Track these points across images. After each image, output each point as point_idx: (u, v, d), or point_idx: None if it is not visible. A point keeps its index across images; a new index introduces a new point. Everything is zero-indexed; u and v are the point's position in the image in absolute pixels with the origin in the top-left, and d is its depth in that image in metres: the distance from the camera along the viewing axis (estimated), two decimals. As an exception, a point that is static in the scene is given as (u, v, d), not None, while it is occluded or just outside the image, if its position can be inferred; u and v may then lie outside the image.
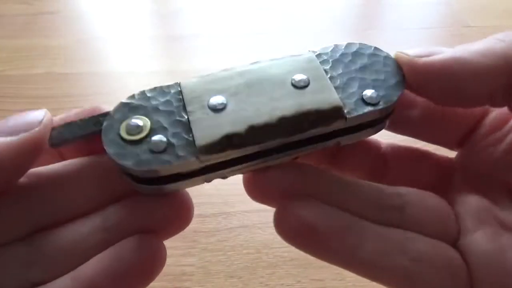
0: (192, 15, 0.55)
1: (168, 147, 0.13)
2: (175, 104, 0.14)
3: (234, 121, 0.14)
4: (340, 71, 0.15)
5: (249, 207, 0.33)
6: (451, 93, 0.14)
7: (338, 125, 0.14)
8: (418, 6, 0.56)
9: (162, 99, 0.15)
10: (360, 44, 0.16)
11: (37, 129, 0.13)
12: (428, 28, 0.53)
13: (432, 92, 0.15)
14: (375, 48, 0.16)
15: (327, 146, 0.15)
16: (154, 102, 0.15)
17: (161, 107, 0.14)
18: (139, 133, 0.14)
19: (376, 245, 0.14)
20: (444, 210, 0.15)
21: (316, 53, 0.16)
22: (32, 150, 0.13)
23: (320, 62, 0.16)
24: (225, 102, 0.14)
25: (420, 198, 0.15)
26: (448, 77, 0.14)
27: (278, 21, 0.54)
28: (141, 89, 0.15)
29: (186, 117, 0.14)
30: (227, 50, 0.50)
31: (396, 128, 0.17)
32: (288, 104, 0.14)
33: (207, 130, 0.14)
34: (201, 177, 0.14)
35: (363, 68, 0.15)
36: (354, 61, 0.16)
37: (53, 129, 0.14)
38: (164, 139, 0.13)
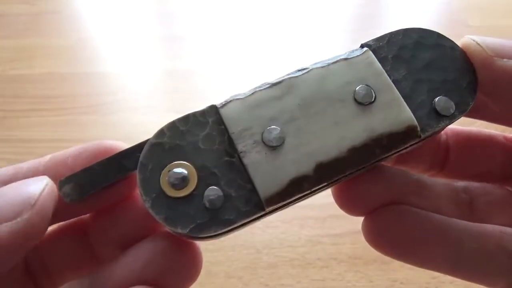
0: (192, 15, 0.55)
1: (225, 200, 0.11)
2: (218, 138, 0.12)
3: (297, 160, 0.12)
4: (403, 71, 0.13)
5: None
6: None
7: (410, 144, 0.13)
8: (418, 6, 0.56)
9: (200, 133, 0.12)
10: (419, 30, 0.14)
11: (26, 216, 0.10)
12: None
13: (509, 104, 0.13)
14: (438, 35, 0.14)
15: (388, 159, 0.14)
16: (191, 139, 0.12)
17: (202, 145, 0.12)
18: (186, 186, 0.11)
19: (478, 245, 0.13)
20: (509, 200, 0.14)
21: (371, 48, 0.14)
22: (19, 242, 0.10)
23: (379, 62, 0.13)
24: (282, 134, 0.12)
25: (484, 192, 0.14)
26: None
27: (278, 21, 0.54)
28: (170, 120, 0.12)
29: (236, 155, 0.12)
30: (227, 50, 0.50)
31: None
32: (357, 129, 0.12)
33: (269, 175, 0.11)
34: (260, 219, 0.12)
35: (428, 66, 0.13)
36: (416, 56, 0.13)
37: (67, 180, 0.12)
38: (220, 192, 0.11)
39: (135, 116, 0.40)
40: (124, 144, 0.13)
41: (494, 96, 0.13)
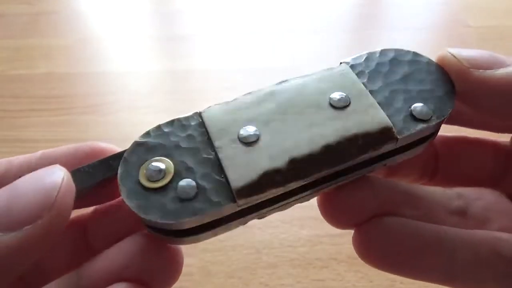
0: (192, 15, 0.55)
1: (198, 192, 0.12)
2: (198, 138, 0.13)
3: (271, 155, 0.12)
4: (380, 83, 0.14)
5: (249, 207, 0.33)
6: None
7: (388, 147, 0.13)
8: (418, 6, 0.56)
9: (182, 134, 0.13)
10: (396, 50, 0.15)
11: (46, 218, 0.10)
12: (428, 28, 0.53)
13: (488, 110, 0.13)
14: (414, 53, 0.14)
15: (373, 169, 0.13)
16: (173, 139, 0.13)
17: (182, 144, 0.12)
18: (162, 178, 0.12)
19: (472, 253, 0.12)
20: (503, 203, 0.14)
21: (349, 64, 0.14)
22: (37, 245, 0.10)
23: (356, 75, 0.14)
24: (258, 132, 0.12)
25: (478, 196, 0.14)
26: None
27: (278, 20, 0.54)
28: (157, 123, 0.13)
29: (213, 153, 0.12)
30: (227, 50, 0.50)
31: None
32: (331, 129, 0.12)
33: (241, 168, 0.12)
34: (237, 221, 0.12)
35: (405, 78, 0.14)
36: (393, 70, 0.14)
37: None
38: (193, 183, 0.12)
39: (134, 116, 0.40)
40: (116, 147, 0.14)
41: (472, 104, 0.14)
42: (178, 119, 0.13)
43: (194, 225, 0.12)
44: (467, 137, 0.16)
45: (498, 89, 0.12)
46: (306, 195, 0.13)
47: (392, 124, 0.13)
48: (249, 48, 0.50)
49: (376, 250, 0.13)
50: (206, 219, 0.12)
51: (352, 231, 0.13)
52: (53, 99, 0.43)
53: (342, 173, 0.13)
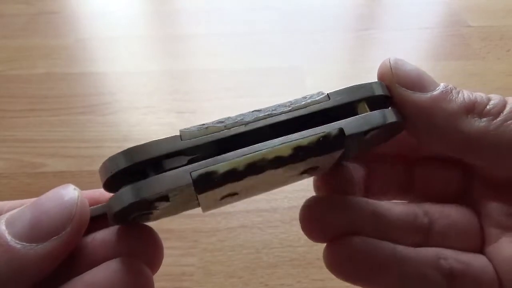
0: (192, 15, 0.55)
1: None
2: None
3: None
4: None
5: (249, 207, 0.33)
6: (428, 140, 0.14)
7: (320, 99, 0.13)
8: (418, 6, 0.56)
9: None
10: None
11: (68, 229, 0.12)
12: (428, 28, 0.53)
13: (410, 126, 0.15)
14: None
15: (330, 133, 0.13)
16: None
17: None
18: None
19: (416, 270, 0.14)
20: (469, 221, 0.16)
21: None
22: (61, 253, 0.12)
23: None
24: None
25: (445, 214, 0.16)
26: (423, 128, 0.14)
27: (278, 21, 0.54)
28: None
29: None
30: (227, 50, 0.50)
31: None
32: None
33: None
34: (187, 169, 0.12)
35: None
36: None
37: None
38: None
39: (134, 116, 0.40)
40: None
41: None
42: None
43: (149, 155, 0.12)
44: (437, 157, 0.17)
45: (409, 111, 0.14)
46: (256, 152, 0.13)
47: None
48: (249, 48, 0.50)
49: (341, 266, 0.14)
50: (157, 148, 0.12)
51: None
52: (52, 99, 0.43)
53: (290, 128, 0.13)
